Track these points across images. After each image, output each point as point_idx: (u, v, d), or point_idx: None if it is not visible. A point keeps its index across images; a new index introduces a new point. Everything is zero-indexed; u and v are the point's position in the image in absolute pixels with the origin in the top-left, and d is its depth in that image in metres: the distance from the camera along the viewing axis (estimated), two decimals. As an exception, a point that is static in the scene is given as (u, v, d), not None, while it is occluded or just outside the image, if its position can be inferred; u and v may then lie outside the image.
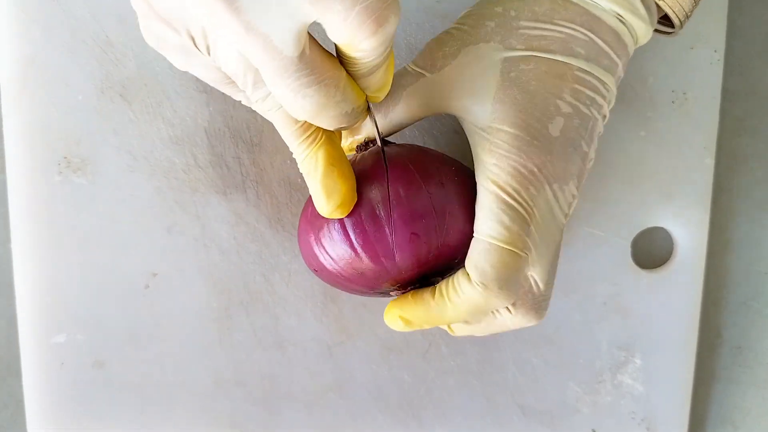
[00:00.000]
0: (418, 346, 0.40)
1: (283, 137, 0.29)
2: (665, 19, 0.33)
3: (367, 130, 0.33)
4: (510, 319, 0.31)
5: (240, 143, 0.38)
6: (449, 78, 0.31)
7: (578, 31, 0.30)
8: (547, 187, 0.30)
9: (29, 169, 0.37)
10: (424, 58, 0.32)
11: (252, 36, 0.23)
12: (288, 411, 0.40)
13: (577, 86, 0.30)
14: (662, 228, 0.40)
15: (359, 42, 0.23)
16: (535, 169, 0.29)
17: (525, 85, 0.30)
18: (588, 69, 0.30)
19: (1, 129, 0.38)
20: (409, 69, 0.32)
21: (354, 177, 0.30)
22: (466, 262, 0.30)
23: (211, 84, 0.28)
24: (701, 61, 0.39)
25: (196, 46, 0.25)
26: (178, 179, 0.38)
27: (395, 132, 0.33)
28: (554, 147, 0.30)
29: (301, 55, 0.23)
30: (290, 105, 0.25)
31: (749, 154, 0.42)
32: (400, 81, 0.32)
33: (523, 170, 0.29)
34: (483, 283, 0.29)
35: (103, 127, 0.37)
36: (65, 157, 0.37)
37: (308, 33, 0.24)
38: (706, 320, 0.43)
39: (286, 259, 0.38)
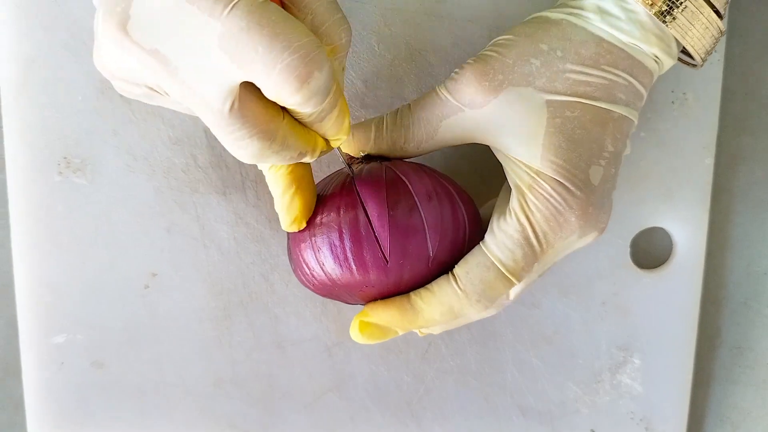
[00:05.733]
0: (418, 347, 0.40)
1: None
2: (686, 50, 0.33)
3: (370, 147, 0.33)
4: (462, 308, 0.31)
5: (239, 143, 0.38)
6: (492, 116, 0.30)
7: (620, 76, 0.30)
8: (575, 234, 0.30)
9: (29, 169, 0.37)
10: (461, 91, 0.31)
11: (188, 93, 0.25)
12: (287, 411, 0.40)
13: (616, 134, 0.31)
14: (661, 228, 0.40)
15: (285, 98, 0.24)
16: (573, 219, 0.30)
17: (570, 133, 0.30)
18: (626, 114, 0.31)
19: (1, 129, 0.38)
20: (444, 97, 0.31)
21: (314, 194, 0.31)
22: (458, 265, 0.31)
23: (190, 113, 0.28)
24: (701, 62, 0.39)
25: (157, 92, 0.27)
26: (178, 179, 0.38)
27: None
28: (595, 197, 0.30)
29: (232, 111, 0.24)
30: (231, 152, 0.26)
31: (749, 154, 0.42)
32: (435, 111, 0.31)
33: (560, 218, 0.30)
34: (464, 290, 0.30)
35: (103, 128, 0.37)
36: (65, 158, 0.37)
37: (246, 85, 0.25)
38: (705, 320, 0.43)
39: (286, 259, 0.38)
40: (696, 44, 0.31)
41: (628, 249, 0.40)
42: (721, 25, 0.31)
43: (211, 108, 0.24)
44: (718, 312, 0.43)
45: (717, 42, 0.32)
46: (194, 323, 0.39)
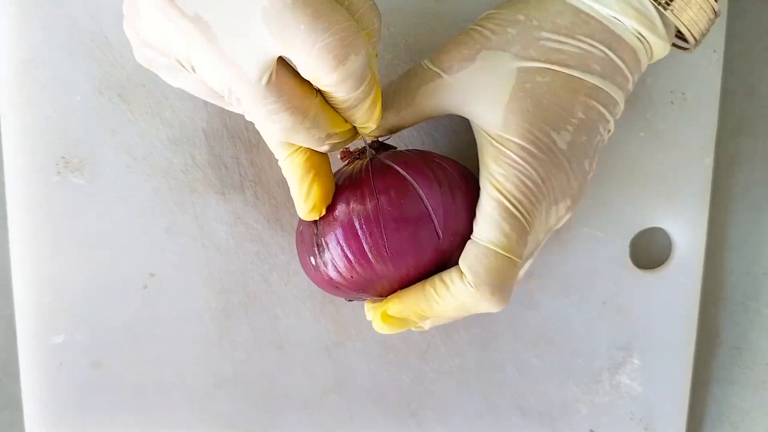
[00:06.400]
0: (417, 347, 0.40)
1: (268, 144, 0.31)
2: (680, 34, 0.33)
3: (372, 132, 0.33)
4: (475, 304, 0.31)
5: (238, 143, 0.38)
6: (465, 82, 0.31)
7: (596, 47, 0.31)
8: (546, 200, 0.30)
9: (27, 169, 0.37)
10: (441, 58, 0.32)
11: (224, 63, 0.25)
12: (287, 411, 0.40)
13: (589, 102, 0.31)
14: (661, 228, 0.40)
15: (321, 77, 0.25)
16: (540, 182, 0.30)
17: (539, 97, 0.30)
18: (602, 86, 0.31)
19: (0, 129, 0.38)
20: (425, 66, 0.32)
21: (332, 181, 0.31)
22: (461, 263, 0.31)
23: (203, 98, 0.29)
24: (700, 62, 0.39)
25: (183, 67, 0.27)
26: (177, 179, 0.38)
27: (405, 129, 0.34)
28: (560, 161, 0.30)
29: (269, 84, 0.25)
30: (261, 127, 0.27)
31: (748, 154, 0.42)
32: (415, 79, 0.32)
33: (528, 182, 0.30)
34: (475, 284, 0.30)
35: (102, 128, 0.37)
36: (63, 158, 0.37)
37: (281, 62, 0.25)
38: (704, 320, 0.43)
39: (285, 259, 0.38)
40: (692, 26, 0.31)
41: (628, 249, 0.40)
42: (716, 5, 0.31)
43: (249, 79, 0.25)
44: (718, 312, 0.43)
45: (712, 24, 0.32)
46: (194, 323, 0.39)
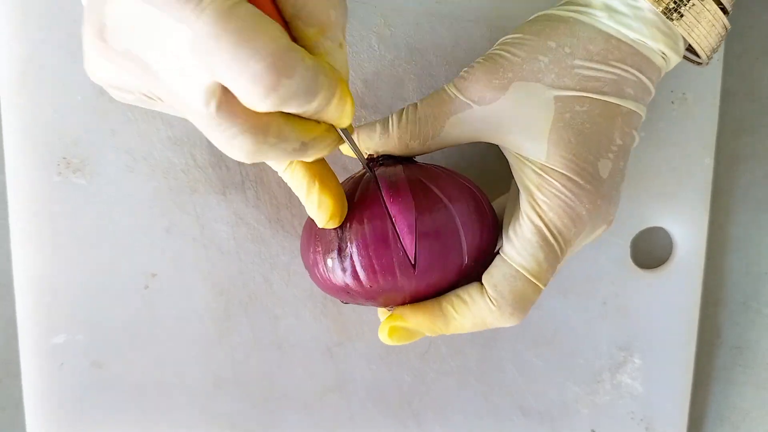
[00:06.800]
0: (418, 347, 0.40)
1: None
2: (690, 47, 0.33)
3: (375, 144, 0.32)
4: (494, 322, 0.31)
5: (239, 143, 0.38)
6: (500, 113, 0.31)
7: (629, 72, 0.30)
8: (587, 228, 0.30)
9: (28, 169, 0.37)
10: (470, 88, 0.31)
11: (173, 97, 0.24)
12: (287, 411, 0.40)
13: (625, 128, 0.31)
14: (662, 228, 0.40)
15: (256, 105, 0.23)
16: (584, 213, 0.30)
17: (579, 127, 0.30)
18: (635, 109, 0.31)
19: (0, 129, 0.38)
20: (452, 95, 0.31)
21: (339, 186, 0.30)
22: (485, 279, 0.31)
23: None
24: (701, 62, 0.39)
25: (151, 98, 0.26)
26: (177, 179, 0.38)
27: (427, 154, 0.33)
28: (604, 190, 0.30)
29: (218, 110, 0.23)
30: (228, 154, 0.25)
31: (748, 154, 0.42)
32: (443, 108, 0.31)
33: (572, 213, 0.30)
34: (497, 304, 0.30)
35: (102, 128, 0.37)
36: (64, 158, 0.37)
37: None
38: (705, 320, 0.43)
39: (286, 259, 0.38)
40: (702, 41, 0.31)
41: (629, 249, 0.40)
42: (727, 22, 0.31)
43: (197, 110, 0.23)
44: (718, 312, 0.43)
45: (723, 39, 0.32)
46: (194, 323, 0.39)
